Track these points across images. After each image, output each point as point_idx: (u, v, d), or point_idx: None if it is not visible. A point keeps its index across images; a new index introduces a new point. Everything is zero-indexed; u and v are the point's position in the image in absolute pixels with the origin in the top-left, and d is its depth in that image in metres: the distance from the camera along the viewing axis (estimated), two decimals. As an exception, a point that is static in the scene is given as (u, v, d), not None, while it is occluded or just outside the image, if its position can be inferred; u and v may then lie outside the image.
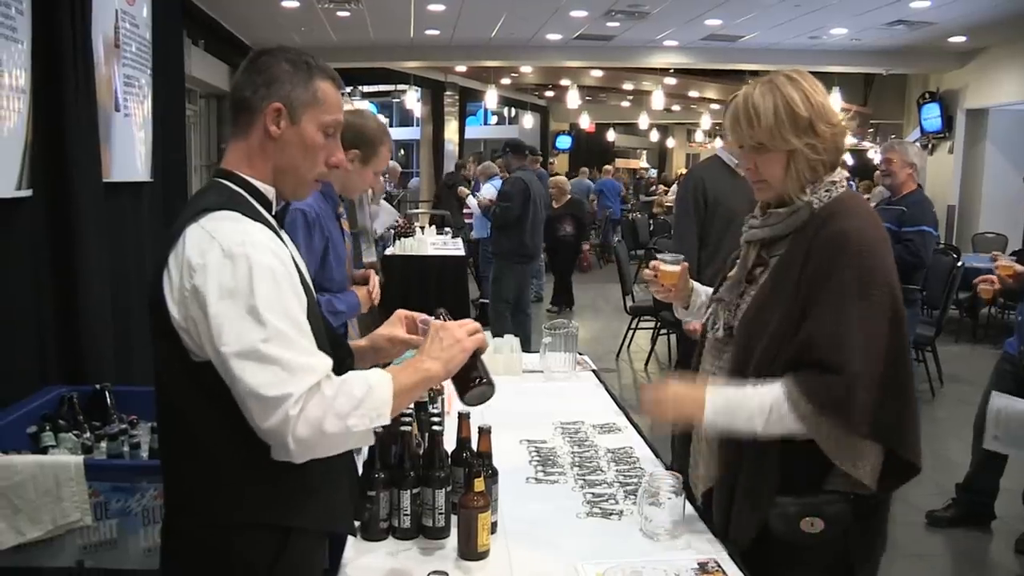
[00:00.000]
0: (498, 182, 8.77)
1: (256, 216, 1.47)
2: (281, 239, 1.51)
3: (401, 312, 1.82)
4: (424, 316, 1.80)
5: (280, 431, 1.34)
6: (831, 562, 1.82)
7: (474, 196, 8.90)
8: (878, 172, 5.14)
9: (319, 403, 1.36)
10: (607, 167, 17.14)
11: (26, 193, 3.03)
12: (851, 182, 1.90)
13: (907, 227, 4.72)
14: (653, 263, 2.19)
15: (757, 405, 1.73)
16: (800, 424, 1.71)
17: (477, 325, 1.62)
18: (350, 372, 1.47)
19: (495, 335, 3.01)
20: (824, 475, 1.78)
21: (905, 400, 1.78)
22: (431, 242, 8.71)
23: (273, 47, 1.55)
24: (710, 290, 2.17)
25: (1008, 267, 3.64)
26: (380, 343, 1.84)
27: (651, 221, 14.55)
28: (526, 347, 3.16)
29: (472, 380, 1.59)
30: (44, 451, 2.50)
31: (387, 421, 1.45)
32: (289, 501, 1.49)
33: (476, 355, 1.60)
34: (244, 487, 1.46)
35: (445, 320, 1.67)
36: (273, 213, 1.56)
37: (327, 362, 1.42)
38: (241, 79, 1.53)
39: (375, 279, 2.84)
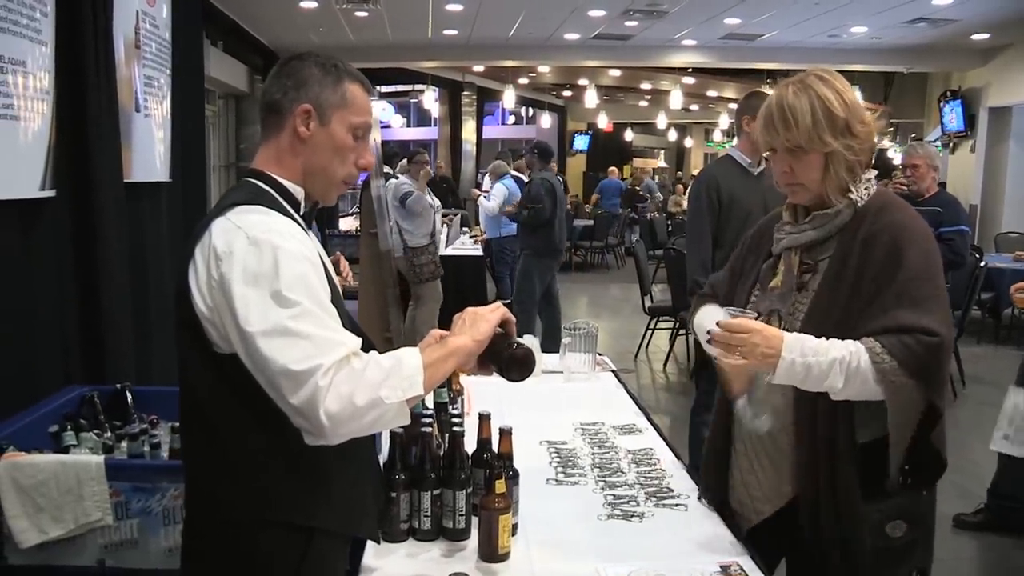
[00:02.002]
0: (510, 181, 8.77)
1: (284, 213, 1.49)
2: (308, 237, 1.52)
3: (436, 332, 1.79)
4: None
5: (311, 405, 1.32)
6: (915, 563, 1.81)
7: (486, 198, 8.92)
8: (903, 177, 5.08)
9: (348, 375, 1.35)
10: (611, 168, 17.22)
11: (50, 193, 3.05)
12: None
13: (946, 227, 4.74)
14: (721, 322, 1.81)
15: (838, 355, 1.65)
16: (877, 385, 1.64)
17: (498, 304, 1.64)
18: (392, 354, 1.45)
19: (520, 332, 3.06)
20: (885, 476, 1.74)
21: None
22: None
23: (304, 52, 1.57)
24: None
25: None
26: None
27: (669, 222, 14.51)
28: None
29: (506, 348, 1.58)
30: (66, 451, 2.51)
31: (421, 392, 1.43)
32: (313, 500, 1.49)
33: (505, 329, 1.62)
34: (267, 484, 1.46)
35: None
36: (301, 214, 1.57)
37: (355, 339, 1.41)
38: (271, 83, 1.55)
39: (344, 262, 2.93)
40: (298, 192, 1.56)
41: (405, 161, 7.15)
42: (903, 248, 1.70)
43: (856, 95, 1.82)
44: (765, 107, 1.83)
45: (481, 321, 1.57)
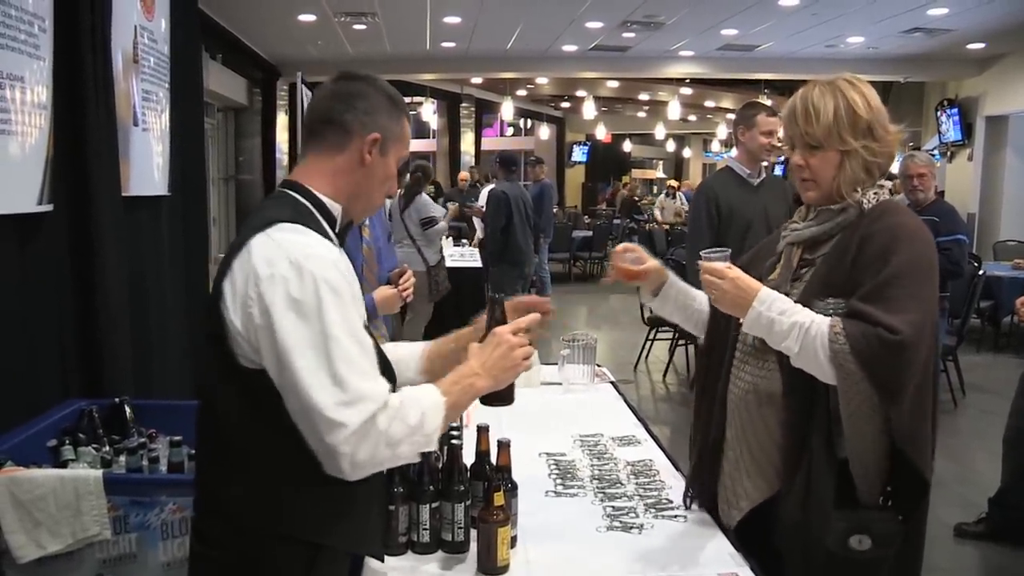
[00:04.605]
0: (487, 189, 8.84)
1: (320, 231, 1.51)
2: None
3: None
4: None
5: (334, 454, 1.39)
6: None
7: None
8: (910, 187, 5.06)
9: (374, 436, 1.40)
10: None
11: (47, 208, 3.05)
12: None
13: (942, 236, 4.72)
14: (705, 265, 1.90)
15: (800, 319, 1.71)
16: (828, 364, 1.68)
17: (531, 348, 1.64)
18: (406, 392, 1.49)
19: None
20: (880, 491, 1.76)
21: (924, 404, 1.75)
22: (448, 254, 8.72)
23: (364, 75, 1.61)
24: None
25: None
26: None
27: (668, 232, 14.52)
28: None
29: (506, 396, 1.64)
30: (64, 465, 2.50)
31: (434, 447, 1.52)
32: (324, 519, 1.50)
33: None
34: (282, 500, 1.48)
35: (501, 304, 1.70)
36: (337, 231, 1.59)
37: (385, 388, 1.45)
38: (335, 101, 1.57)
39: (409, 274, 2.86)
40: (336, 210, 1.59)
41: (415, 175, 6.92)
42: (893, 248, 1.72)
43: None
44: (790, 102, 1.87)
45: (512, 374, 1.60)
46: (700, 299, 2.11)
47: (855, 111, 1.78)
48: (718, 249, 1.87)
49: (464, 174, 14.10)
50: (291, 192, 1.56)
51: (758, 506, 1.87)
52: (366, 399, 1.40)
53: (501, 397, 1.64)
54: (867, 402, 1.68)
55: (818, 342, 1.69)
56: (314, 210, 1.54)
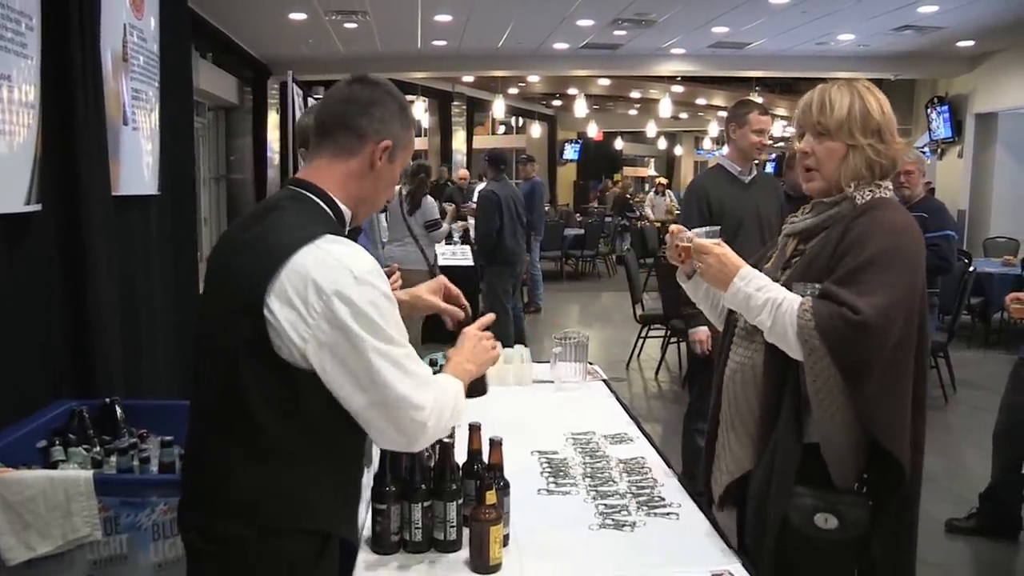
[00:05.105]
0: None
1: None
2: None
3: (443, 279, 2.08)
4: (458, 292, 2.07)
5: (419, 430, 1.52)
6: (852, 567, 1.84)
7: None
8: (896, 184, 5.09)
9: (438, 411, 1.54)
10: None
11: (35, 208, 3.03)
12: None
13: (931, 232, 4.74)
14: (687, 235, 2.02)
15: (773, 296, 1.80)
16: (796, 339, 1.75)
17: (495, 339, 1.84)
18: (437, 378, 1.62)
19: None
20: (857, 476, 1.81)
21: (898, 391, 1.78)
22: (440, 252, 8.71)
23: (378, 79, 1.66)
24: None
25: None
26: (419, 303, 2.05)
27: (660, 230, 14.52)
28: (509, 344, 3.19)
29: (481, 387, 1.85)
30: (54, 466, 2.48)
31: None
32: (337, 510, 1.57)
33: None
34: (305, 495, 1.51)
35: (468, 317, 1.96)
36: (345, 235, 1.61)
37: (432, 372, 1.59)
38: (351, 105, 1.61)
39: (397, 275, 2.90)
40: (347, 215, 1.63)
41: (419, 176, 6.86)
42: (872, 237, 1.77)
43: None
44: (806, 96, 1.94)
45: (489, 359, 1.81)
46: None
47: (868, 111, 1.84)
48: (708, 228, 1.97)
49: (464, 172, 14.11)
50: (308, 194, 1.58)
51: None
52: (429, 381, 1.54)
53: (477, 389, 1.83)
54: (832, 380, 1.73)
55: (787, 318, 1.76)
56: (332, 215, 1.58)
